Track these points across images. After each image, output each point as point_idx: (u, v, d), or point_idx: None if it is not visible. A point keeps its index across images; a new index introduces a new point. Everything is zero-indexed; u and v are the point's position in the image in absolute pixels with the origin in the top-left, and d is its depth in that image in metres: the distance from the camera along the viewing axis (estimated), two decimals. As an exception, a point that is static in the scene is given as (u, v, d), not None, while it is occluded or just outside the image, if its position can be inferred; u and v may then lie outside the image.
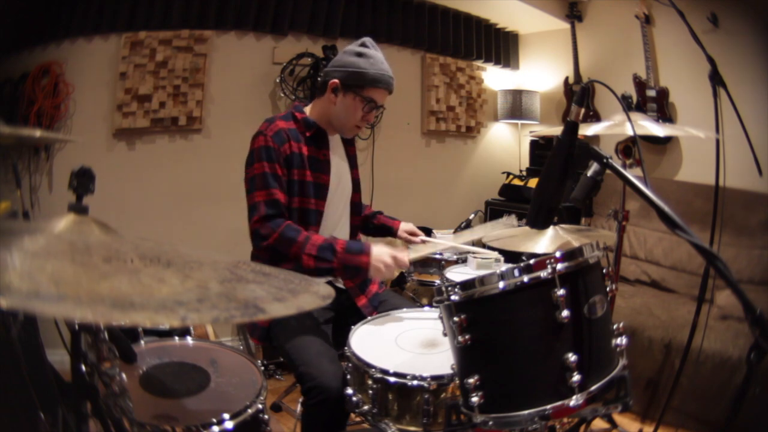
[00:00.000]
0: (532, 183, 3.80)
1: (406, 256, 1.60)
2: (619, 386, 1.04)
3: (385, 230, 2.05)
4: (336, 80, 1.68)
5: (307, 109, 1.80)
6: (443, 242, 2.04)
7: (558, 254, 1.01)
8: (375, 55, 1.69)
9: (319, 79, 1.79)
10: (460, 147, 4.14)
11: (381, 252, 1.58)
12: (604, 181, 1.20)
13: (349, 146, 1.92)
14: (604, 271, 1.13)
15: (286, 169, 1.67)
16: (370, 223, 2.05)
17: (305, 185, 1.70)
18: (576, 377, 0.96)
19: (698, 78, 2.36)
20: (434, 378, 1.25)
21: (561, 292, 0.98)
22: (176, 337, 1.45)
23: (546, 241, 1.79)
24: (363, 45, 1.71)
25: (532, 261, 1.02)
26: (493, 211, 3.92)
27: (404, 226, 2.03)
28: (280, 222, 1.62)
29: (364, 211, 2.01)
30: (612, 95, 1.23)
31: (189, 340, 1.46)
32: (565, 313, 0.98)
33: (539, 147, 3.99)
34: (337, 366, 1.47)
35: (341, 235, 1.86)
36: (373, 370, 1.30)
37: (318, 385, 1.43)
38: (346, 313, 1.79)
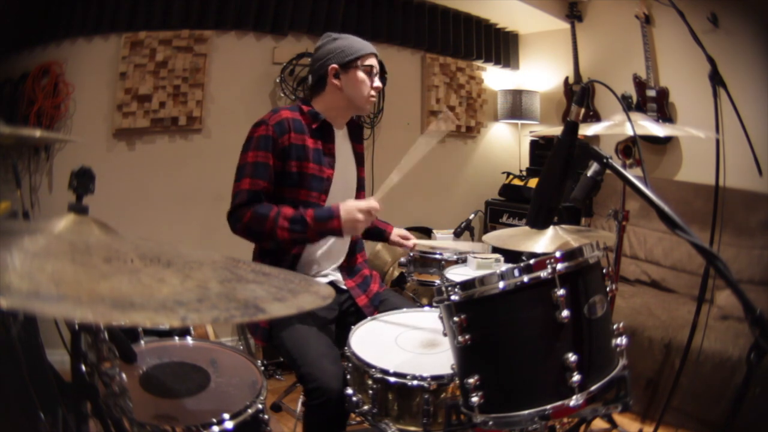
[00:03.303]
0: (532, 183, 3.80)
1: (374, 201, 1.63)
2: (619, 386, 1.04)
3: (377, 234, 2.07)
4: (334, 65, 1.72)
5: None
6: (432, 242, 2.08)
7: (558, 254, 1.01)
8: (348, 35, 1.79)
9: (309, 80, 1.81)
10: (460, 147, 4.14)
11: (350, 210, 1.60)
12: (604, 181, 1.20)
13: (357, 143, 1.92)
14: (604, 271, 1.13)
15: (281, 162, 1.67)
16: None
17: (305, 177, 1.70)
18: (576, 377, 0.96)
19: (698, 78, 2.36)
20: (434, 378, 1.25)
21: (561, 292, 0.98)
22: (176, 337, 1.45)
23: (546, 241, 1.79)
24: (329, 35, 1.79)
25: (532, 261, 1.02)
26: (493, 211, 3.92)
27: (397, 231, 2.07)
28: (254, 205, 1.63)
29: None
30: (612, 95, 1.23)
31: (189, 340, 1.46)
32: (565, 313, 0.98)
33: (539, 147, 3.99)
34: (339, 367, 1.47)
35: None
36: (373, 370, 1.30)
37: (320, 387, 1.43)
38: (347, 312, 1.80)
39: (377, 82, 1.78)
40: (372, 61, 1.77)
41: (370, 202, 1.61)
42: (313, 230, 1.60)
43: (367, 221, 1.61)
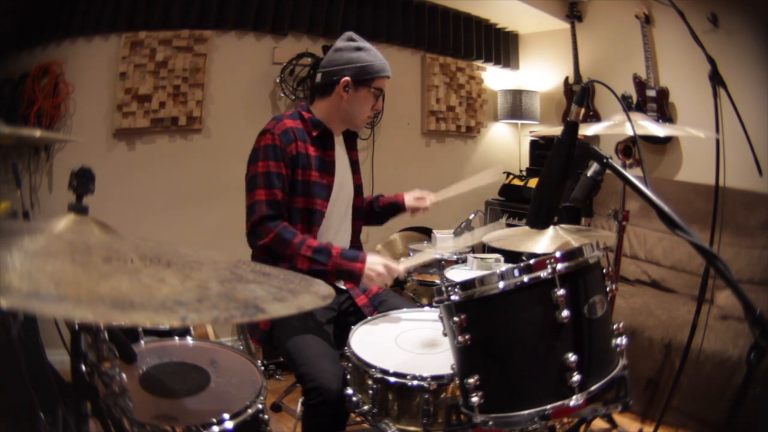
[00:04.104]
0: (532, 183, 3.80)
1: (401, 265, 1.63)
2: (619, 386, 1.04)
3: (393, 208, 2.03)
4: (348, 78, 1.69)
5: (312, 109, 1.79)
6: (440, 251, 2.08)
7: (558, 254, 1.01)
8: (370, 47, 1.75)
9: (318, 79, 1.78)
10: (460, 147, 4.14)
11: (375, 261, 1.60)
12: (604, 181, 1.20)
13: (352, 150, 1.91)
14: (604, 271, 1.13)
15: (290, 170, 1.67)
16: (375, 208, 2.04)
17: (310, 185, 1.70)
18: (576, 377, 0.96)
19: (698, 78, 2.36)
20: (434, 378, 1.25)
21: (561, 292, 0.98)
22: (176, 337, 1.45)
23: (546, 241, 1.79)
24: (352, 39, 1.75)
25: (532, 261, 1.02)
26: (493, 211, 3.92)
27: (410, 195, 2.02)
28: (279, 223, 1.63)
29: (364, 203, 2.00)
30: (612, 95, 1.23)
31: (189, 340, 1.46)
32: (565, 313, 0.98)
33: (539, 147, 3.98)
34: (338, 367, 1.47)
35: (343, 236, 1.86)
36: (373, 370, 1.30)
37: (318, 386, 1.43)
38: (346, 312, 1.80)
39: (379, 105, 1.77)
40: (383, 84, 1.75)
41: (396, 265, 1.61)
42: (335, 264, 1.59)
43: (383, 278, 1.60)
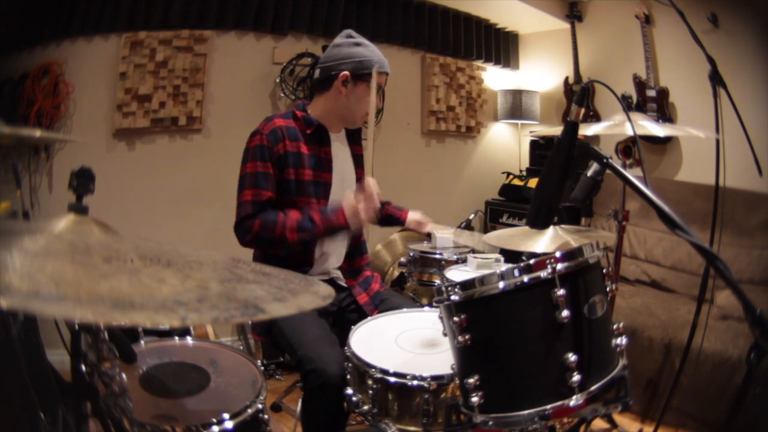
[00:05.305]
0: (532, 183, 3.80)
1: (371, 180, 1.65)
2: (619, 386, 1.04)
3: (393, 221, 2.08)
4: (347, 72, 1.69)
5: (309, 108, 1.79)
6: (441, 234, 2.17)
7: (558, 254, 1.01)
8: (369, 43, 1.76)
9: (316, 75, 1.78)
10: (460, 147, 4.14)
11: (353, 212, 1.62)
12: (604, 181, 1.20)
13: (356, 145, 1.92)
14: (604, 271, 1.13)
15: (278, 169, 1.67)
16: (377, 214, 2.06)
17: (303, 184, 1.70)
18: (576, 377, 0.96)
19: (698, 78, 2.35)
20: (434, 378, 1.25)
21: (561, 292, 0.98)
22: (176, 337, 1.45)
23: (546, 241, 1.79)
24: (351, 36, 1.76)
25: (532, 261, 1.02)
26: (493, 211, 3.92)
27: (412, 216, 2.08)
28: (261, 214, 1.64)
29: None
30: (612, 95, 1.23)
31: (189, 340, 1.46)
32: (565, 313, 0.98)
33: (539, 147, 3.99)
34: (337, 351, 1.48)
35: (344, 234, 1.85)
36: (373, 370, 1.30)
37: (317, 368, 1.43)
38: (347, 310, 1.80)
39: (378, 102, 1.77)
40: (381, 80, 1.76)
41: (374, 203, 1.61)
42: (321, 226, 1.61)
43: (368, 207, 1.61)
